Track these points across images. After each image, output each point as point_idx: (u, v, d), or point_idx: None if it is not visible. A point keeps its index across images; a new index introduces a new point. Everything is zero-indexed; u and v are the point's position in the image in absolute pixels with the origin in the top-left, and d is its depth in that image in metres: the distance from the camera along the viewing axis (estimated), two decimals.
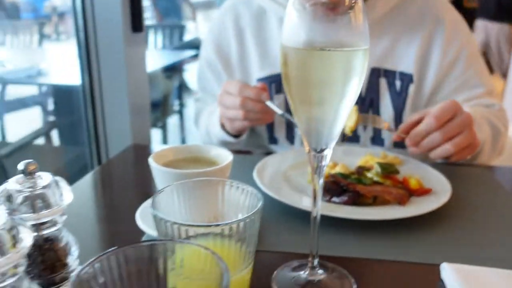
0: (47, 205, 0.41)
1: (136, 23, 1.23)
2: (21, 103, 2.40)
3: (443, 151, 0.73)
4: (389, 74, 0.94)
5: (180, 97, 3.43)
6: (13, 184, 0.41)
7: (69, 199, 0.43)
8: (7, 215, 0.34)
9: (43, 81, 2.23)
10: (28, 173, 0.41)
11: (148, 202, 0.60)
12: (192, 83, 4.16)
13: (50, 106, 2.43)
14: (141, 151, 0.97)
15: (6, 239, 0.33)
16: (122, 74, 1.32)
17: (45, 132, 2.24)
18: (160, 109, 3.03)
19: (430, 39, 0.94)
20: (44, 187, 0.41)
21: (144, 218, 0.55)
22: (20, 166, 0.41)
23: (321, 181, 0.45)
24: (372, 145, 0.96)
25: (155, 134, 3.05)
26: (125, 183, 0.78)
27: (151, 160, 0.55)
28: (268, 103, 0.82)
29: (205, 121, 1.03)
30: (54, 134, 2.30)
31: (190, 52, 3.23)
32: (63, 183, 0.43)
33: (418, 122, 0.75)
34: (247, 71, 1.00)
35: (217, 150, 0.61)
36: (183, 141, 3.28)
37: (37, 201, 0.41)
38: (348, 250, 0.55)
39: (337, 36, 0.40)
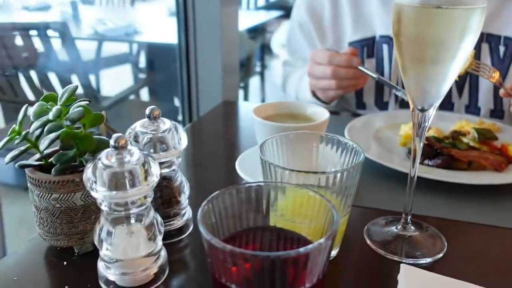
0: (167, 147, 0.46)
1: None
2: (117, 60, 2.56)
3: None
4: (493, 39, 0.89)
5: (262, 58, 3.46)
6: (139, 126, 0.46)
7: (185, 143, 0.48)
8: (139, 152, 0.39)
9: (139, 39, 2.33)
10: (152, 118, 0.46)
11: (246, 153, 0.64)
12: (275, 45, 4.17)
13: (143, 63, 2.57)
14: (230, 107, 1.01)
15: (140, 173, 0.38)
16: (217, 33, 1.36)
17: (138, 88, 2.38)
18: (243, 69, 3.08)
19: None
20: (164, 131, 0.46)
21: (242, 167, 0.59)
22: (147, 111, 0.46)
23: (422, 142, 0.46)
24: (467, 113, 0.93)
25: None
26: (217, 136, 0.83)
27: (253, 114, 0.59)
28: (361, 67, 0.81)
29: (294, 86, 1.04)
30: (145, 91, 2.44)
31: (275, 13, 3.21)
32: (180, 129, 0.48)
33: None
34: (340, 34, 0.99)
35: (313, 108, 0.63)
36: (263, 101, 3.33)
37: (158, 143, 0.46)
38: (440, 212, 0.55)
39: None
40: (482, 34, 0.89)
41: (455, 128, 0.75)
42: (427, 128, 0.46)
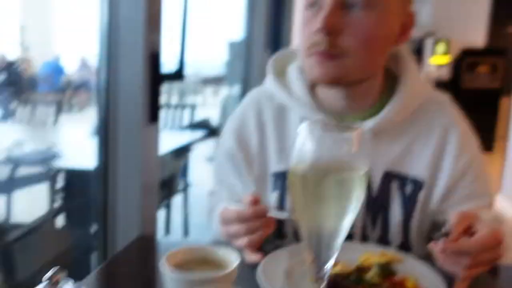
0: None
1: (153, 115, 1.30)
2: (31, 184, 2.46)
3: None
4: (401, 178, 0.96)
5: (185, 176, 3.49)
6: None
7: None
8: None
9: (57, 163, 2.29)
10: (52, 283, 0.45)
11: None
12: (197, 163, 4.26)
13: (59, 188, 2.48)
14: (148, 244, 1.01)
15: None
16: (137, 155, 1.37)
17: (53, 215, 2.28)
18: (166, 189, 3.09)
19: (443, 146, 0.96)
20: None
21: None
22: (47, 275, 0.46)
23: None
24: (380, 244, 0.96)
25: (160, 213, 3.08)
26: (132, 281, 0.81)
27: (162, 265, 0.59)
28: (272, 214, 0.83)
29: (218, 220, 1.01)
30: (61, 216, 2.33)
31: (199, 133, 3.33)
32: None
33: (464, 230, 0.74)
34: (265, 164, 1.02)
35: (225, 251, 0.65)
36: (186, 219, 3.31)
37: None
38: None
39: (339, 161, 0.46)
40: (391, 173, 0.95)
41: (359, 261, 0.79)
42: (326, 277, 0.49)
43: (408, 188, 0.95)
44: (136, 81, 1.25)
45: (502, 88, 6.30)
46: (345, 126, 0.54)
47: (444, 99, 1.03)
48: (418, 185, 0.95)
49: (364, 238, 0.96)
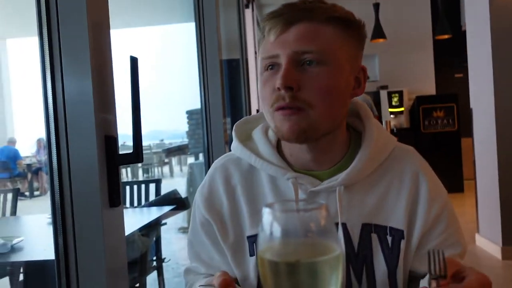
0: None
1: (114, 198, 1.25)
2: None
3: None
4: (380, 230, 0.95)
5: (158, 252, 3.35)
6: None
7: None
8: None
9: (15, 257, 2.15)
10: None
11: None
12: (169, 236, 4.12)
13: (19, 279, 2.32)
14: None
15: None
16: (99, 245, 1.29)
17: None
18: (137, 268, 2.94)
19: (415, 195, 0.97)
20: None
21: None
22: None
23: None
24: None
25: None
26: None
27: None
28: None
29: None
30: None
31: (167, 208, 3.24)
32: None
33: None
34: (240, 229, 1.00)
35: None
36: None
37: None
38: None
39: (310, 243, 0.42)
40: (370, 225, 0.95)
41: None
42: None
43: (389, 238, 0.95)
44: (91, 164, 1.19)
45: (459, 130, 6.58)
46: (309, 204, 0.52)
47: (410, 148, 1.05)
48: (398, 234, 0.95)
49: None
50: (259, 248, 0.47)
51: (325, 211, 0.45)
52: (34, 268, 2.14)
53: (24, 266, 2.21)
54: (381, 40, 6.37)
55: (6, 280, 2.44)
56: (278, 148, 1.02)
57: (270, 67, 0.91)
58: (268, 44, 0.92)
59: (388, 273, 0.94)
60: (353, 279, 0.94)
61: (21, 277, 2.44)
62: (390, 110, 7.00)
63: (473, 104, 4.38)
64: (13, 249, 2.13)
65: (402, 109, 7.04)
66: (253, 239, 0.98)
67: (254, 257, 0.98)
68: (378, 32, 6.36)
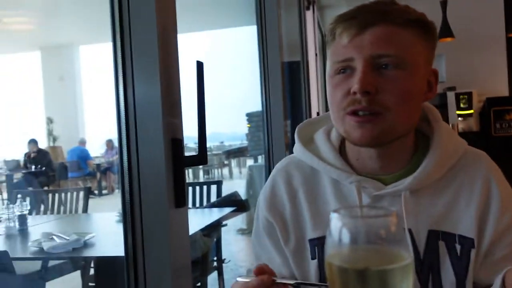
0: None
1: (180, 199, 1.28)
2: (61, 272, 2.44)
3: None
4: (448, 237, 0.92)
5: (218, 253, 3.42)
6: None
7: None
8: None
9: (87, 253, 2.27)
10: None
11: None
12: (229, 238, 4.17)
13: (90, 273, 2.45)
14: None
15: None
16: (165, 237, 1.33)
17: None
18: (199, 268, 3.00)
19: (487, 203, 0.93)
20: None
21: None
22: None
23: None
24: None
25: None
26: None
27: None
28: (277, 280, 0.78)
29: None
30: None
31: (227, 210, 3.29)
32: None
33: None
34: (301, 231, 1.00)
35: None
36: None
37: None
38: None
39: (379, 250, 0.41)
40: (437, 232, 0.92)
41: None
42: None
43: (458, 247, 0.91)
44: (159, 166, 1.23)
45: None
46: (378, 210, 0.50)
47: (481, 153, 1.01)
48: (468, 242, 0.91)
49: None
50: (327, 253, 0.46)
51: (395, 217, 0.44)
52: (104, 263, 2.24)
53: (95, 261, 2.32)
54: (448, 39, 6.11)
55: (77, 273, 2.59)
56: (341, 152, 1.01)
57: (343, 70, 0.89)
58: (341, 47, 0.90)
59: (457, 283, 0.89)
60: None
61: (91, 271, 2.58)
62: (458, 112, 6.68)
63: None
64: (86, 245, 2.25)
65: (471, 111, 6.70)
66: (314, 242, 0.97)
67: (316, 260, 0.97)
68: (446, 31, 6.10)
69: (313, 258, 0.97)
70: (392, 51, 0.86)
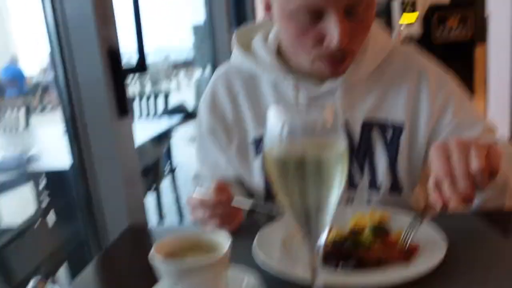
0: None
1: (122, 108, 1.28)
2: (12, 185, 2.42)
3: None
4: (381, 125, 0.98)
5: (169, 159, 3.49)
6: None
7: None
8: None
9: (34, 166, 2.25)
10: None
11: None
12: (180, 146, 4.22)
13: (41, 187, 2.44)
14: (139, 233, 0.99)
15: None
16: (112, 148, 1.34)
17: (42, 215, 2.24)
18: (151, 175, 3.08)
19: (416, 91, 0.99)
20: None
21: None
22: (32, 283, 0.44)
23: (318, 263, 0.49)
24: (370, 189, 0.98)
25: (151, 197, 3.13)
26: (125, 272, 0.80)
27: (152, 255, 0.58)
28: (235, 202, 0.84)
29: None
30: (49, 216, 2.30)
31: (176, 119, 3.30)
32: None
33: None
34: (244, 132, 1.04)
35: (217, 234, 0.63)
36: (178, 202, 3.34)
37: None
38: None
39: (315, 141, 0.45)
40: (371, 123, 0.98)
41: (351, 224, 0.79)
42: (319, 251, 0.49)
43: (389, 134, 0.98)
44: (97, 78, 1.22)
45: (474, 39, 6.31)
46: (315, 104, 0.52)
47: (411, 48, 1.06)
48: (398, 129, 0.98)
49: (354, 186, 0.98)
50: (266, 147, 0.48)
51: (330, 109, 0.47)
52: (53, 176, 2.23)
53: (44, 175, 2.30)
54: None
55: (28, 188, 2.57)
56: (279, 54, 1.02)
57: (310, 14, 0.85)
58: None
59: (389, 165, 0.98)
60: (355, 173, 0.99)
61: (41, 186, 2.56)
62: (402, 20, 6.71)
63: (490, 10, 4.19)
64: (30, 159, 2.21)
65: (413, 19, 6.73)
66: (257, 141, 1.02)
67: (259, 157, 1.02)
68: None
69: (256, 156, 1.02)
70: None
